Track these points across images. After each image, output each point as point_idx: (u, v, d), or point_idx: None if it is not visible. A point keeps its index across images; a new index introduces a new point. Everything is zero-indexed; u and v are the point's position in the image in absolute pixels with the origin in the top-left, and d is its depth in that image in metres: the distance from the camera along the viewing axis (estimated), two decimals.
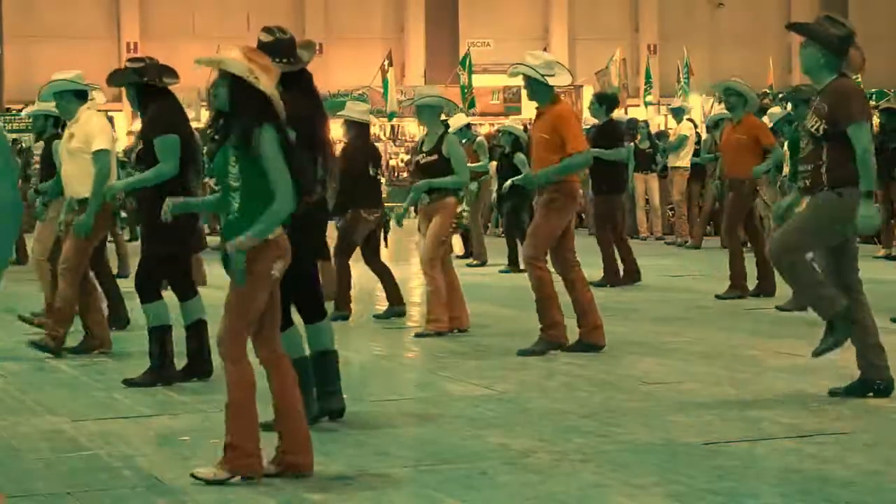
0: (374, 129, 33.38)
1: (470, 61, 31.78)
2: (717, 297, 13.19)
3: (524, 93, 10.28)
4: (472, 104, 30.69)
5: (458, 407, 7.76)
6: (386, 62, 33.90)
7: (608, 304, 13.22)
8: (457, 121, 18.62)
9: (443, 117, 11.89)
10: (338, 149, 12.37)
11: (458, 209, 11.08)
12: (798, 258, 7.68)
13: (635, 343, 10.30)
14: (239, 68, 5.91)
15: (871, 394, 7.68)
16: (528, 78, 9.70)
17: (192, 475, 5.91)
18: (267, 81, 5.94)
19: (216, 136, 6.10)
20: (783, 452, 6.41)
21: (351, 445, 6.72)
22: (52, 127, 11.56)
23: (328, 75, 38.10)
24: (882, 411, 7.48)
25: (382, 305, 12.19)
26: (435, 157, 10.80)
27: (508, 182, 16.16)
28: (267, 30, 7.18)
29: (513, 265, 16.83)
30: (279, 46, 7.02)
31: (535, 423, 7.22)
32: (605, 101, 15.31)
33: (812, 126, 7.66)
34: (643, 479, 5.93)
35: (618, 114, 28.88)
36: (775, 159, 13.24)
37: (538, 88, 9.72)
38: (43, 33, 37.60)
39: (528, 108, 10.79)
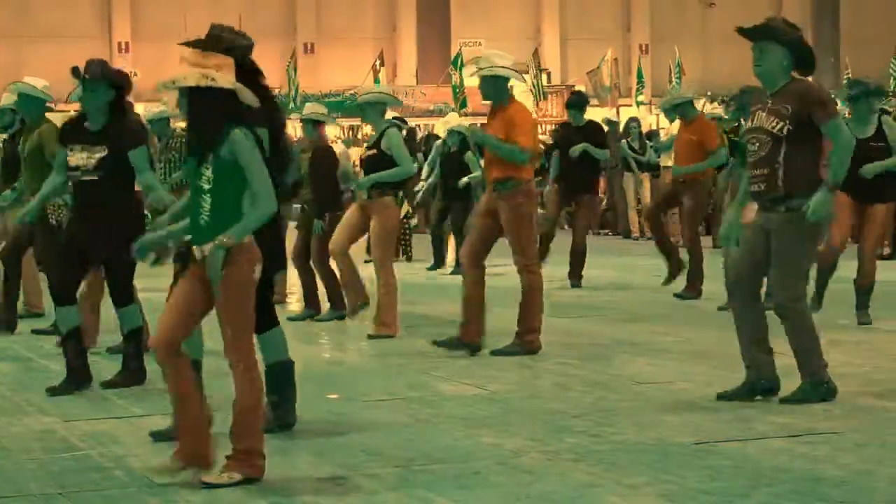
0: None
1: (462, 61, 31.80)
2: (676, 295, 13.27)
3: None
4: (463, 104, 30.73)
5: (451, 407, 7.76)
6: (377, 62, 33.95)
7: (600, 303, 13.25)
8: (451, 120, 18.59)
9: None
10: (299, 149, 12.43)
11: (404, 211, 11.12)
12: (804, 305, 7.74)
13: (627, 343, 10.31)
14: (193, 79, 5.91)
15: (757, 396, 7.73)
16: (493, 77, 9.67)
17: (204, 483, 5.84)
18: (226, 77, 5.95)
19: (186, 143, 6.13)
20: (775, 452, 6.42)
21: (343, 445, 6.72)
22: (19, 122, 11.51)
23: (320, 75, 38.15)
24: (873, 411, 7.50)
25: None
26: (374, 151, 10.81)
27: (465, 179, 16.21)
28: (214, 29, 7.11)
29: (439, 265, 16.73)
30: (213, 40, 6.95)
31: (527, 423, 7.23)
32: (580, 105, 15.26)
33: (773, 127, 7.54)
34: (635, 478, 5.94)
35: (611, 113, 29.09)
36: (712, 163, 13.39)
37: (502, 88, 9.72)
38: (35, 33, 37.58)
39: None
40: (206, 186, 5.93)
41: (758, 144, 7.63)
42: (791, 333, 7.72)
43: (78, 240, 8.47)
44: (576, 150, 14.64)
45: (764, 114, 7.63)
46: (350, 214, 11.10)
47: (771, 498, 5.58)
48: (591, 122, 15.38)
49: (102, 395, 8.29)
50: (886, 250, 17.75)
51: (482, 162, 15.61)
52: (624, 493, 5.71)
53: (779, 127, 7.54)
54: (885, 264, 15.90)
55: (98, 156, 8.47)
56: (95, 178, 8.46)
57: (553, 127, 23.51)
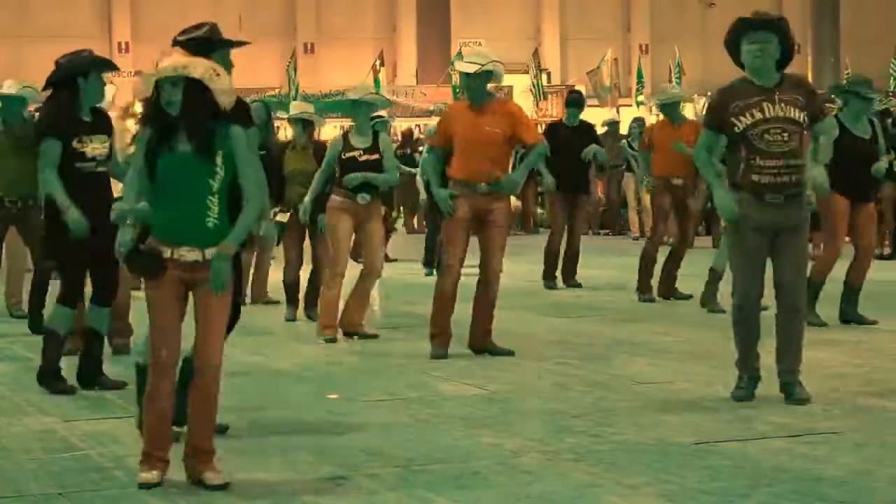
0: None
1: None
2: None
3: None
4: None
5: (451, 407, 7.76)
6: (377, 62, 33.95)
7: (599, 303, 13.24)
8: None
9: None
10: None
11: (383, 211, 11.16)
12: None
13: (627, 343, 10.31)
14: (201, 69, 5.82)
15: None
16: (489, 73, 9.66)
17: (209, 485, 5.83)
18: (225, 76, 5.93)
19: (160, 140, 5.88)
20: (775, 452, 6.42)
21: (343, 445, 6.72)
22: (1, 123, 11.50)
23: (320, 75, 38.14)
24: (873, 411, 7.50)
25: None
26: (377, 155, 10.62)
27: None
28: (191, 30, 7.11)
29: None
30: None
31: (527, 423, 7.23)
32: (580, 104, 15.26)
33: (799, 117, 7.55)
34: (635, 478, 5.94)
35: (611, 113, 29.05)
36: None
37: (486, 84, 9.73)
38: (35, 33, 37.58)
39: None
40: (216, 186, 5.80)
41: (787, 135, 7.54)
42: (797, 333, 7.71)
43: (90, 237, 8.14)
44: (589, 151, 14.63)
45: (777, 105, 7.58)
46: (342, 227, 10.68)
47: (771, 498, 5.58)
48: (584, 122, 15.38)
49: (102, 395, 8.29)
50: (887, 250, 17.77)
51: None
52: (624, 493, 5.71)
53: (802, 117, 7.59)
54: (885, 264, 15.94)
55: (108, 144, 8.41)
56: (105, 169, 8.43)
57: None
